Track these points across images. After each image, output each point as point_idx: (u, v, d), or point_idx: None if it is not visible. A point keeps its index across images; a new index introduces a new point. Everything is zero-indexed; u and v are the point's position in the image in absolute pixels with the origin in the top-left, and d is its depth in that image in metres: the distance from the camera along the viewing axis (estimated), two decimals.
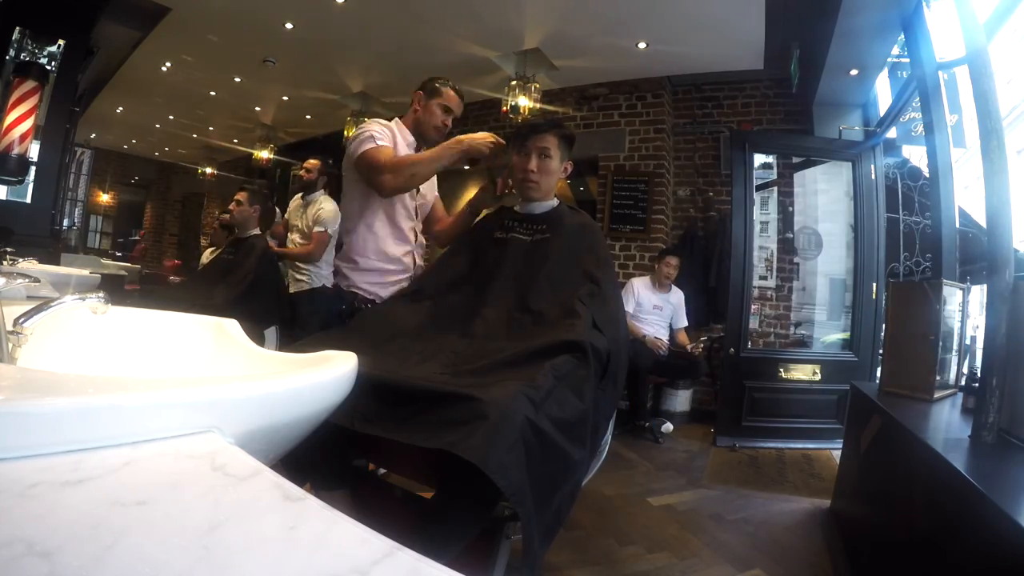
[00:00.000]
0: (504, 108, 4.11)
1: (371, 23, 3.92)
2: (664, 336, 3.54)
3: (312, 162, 3.09)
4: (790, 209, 4.09)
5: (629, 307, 3.43)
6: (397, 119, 1.72)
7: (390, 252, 1.61)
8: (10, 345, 0.66)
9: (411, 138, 1.69)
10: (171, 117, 6.97)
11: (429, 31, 3.92)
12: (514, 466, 0.75)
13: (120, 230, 9.43)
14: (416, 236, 1.70)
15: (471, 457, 0.73)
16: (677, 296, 3.61)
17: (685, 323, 3.63)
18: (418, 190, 1.70)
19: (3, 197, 3.31)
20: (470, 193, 6.76)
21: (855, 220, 3.49)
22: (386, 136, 1.56)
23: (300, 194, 3.17)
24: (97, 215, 9.39)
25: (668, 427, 3.28)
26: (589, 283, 1.24)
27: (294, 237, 3.10)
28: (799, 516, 2.27)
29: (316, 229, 2.95)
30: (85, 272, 2.11)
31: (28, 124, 3.01)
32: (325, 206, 2.99)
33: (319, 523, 0.34)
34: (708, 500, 2.39)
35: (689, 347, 3.49)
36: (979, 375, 1.44)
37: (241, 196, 2.73)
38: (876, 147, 3.43)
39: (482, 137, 1.48)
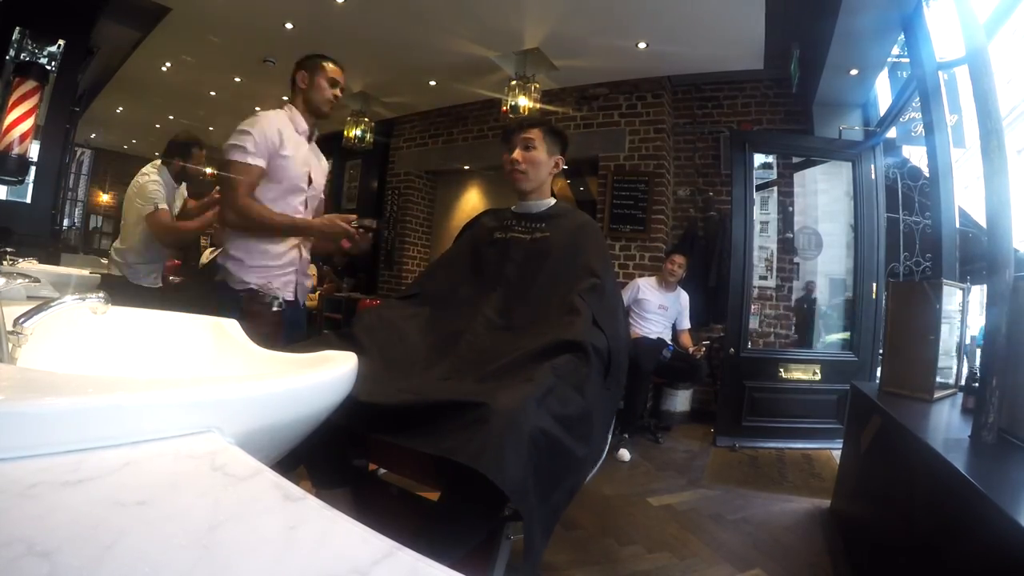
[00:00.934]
0: (504, 108, 4.11)
1: (371, 23, 3.92)
2: (668, 335, 3.53)
3: None
4: (790, 209, 4.09)
5: (626, 303, 3.41)
6: (290, 105, 1.70)
7: (272, 249, 1.62)
8: (10, 345, 0.66)
9: (304, 125, 1.69)
10: (171, 117, 6.98)
11: (429, 31, 3.92)
12: (516, 466, 0.75)
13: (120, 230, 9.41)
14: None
15: (471, 462, 0.73)
16: (683, 297, 3.60)
17: (688, 325, 3.61)
18: (311, 181, 1.70)
19: (3, 197, 3.31)
20: (469, 196, 6.70)
21: (855, 220, 3.49)
22: (259, 148, 1.54)
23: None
24: (97, 215, 9.40)
25: (624, 455, 2.95)
26: (590, 278, 1.24)
27: None
28: (799, 516, 2.27)
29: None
30: (85, 272, 2.11)
31: (28, 124, 3.00)
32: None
33: (319, 523, 0.34)
34: (708, 500, 2.39)
35: (691, 349, 3.47)
36: (979, 375, 1.44)
37: None
38: (876, 147, 3.43)
39: (334, 231, 1.58)
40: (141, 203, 2.47)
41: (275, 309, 1.61)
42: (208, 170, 2.82)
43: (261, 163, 1.55)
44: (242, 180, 1.52)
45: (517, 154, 1.40)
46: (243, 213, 1.53)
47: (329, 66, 1.70)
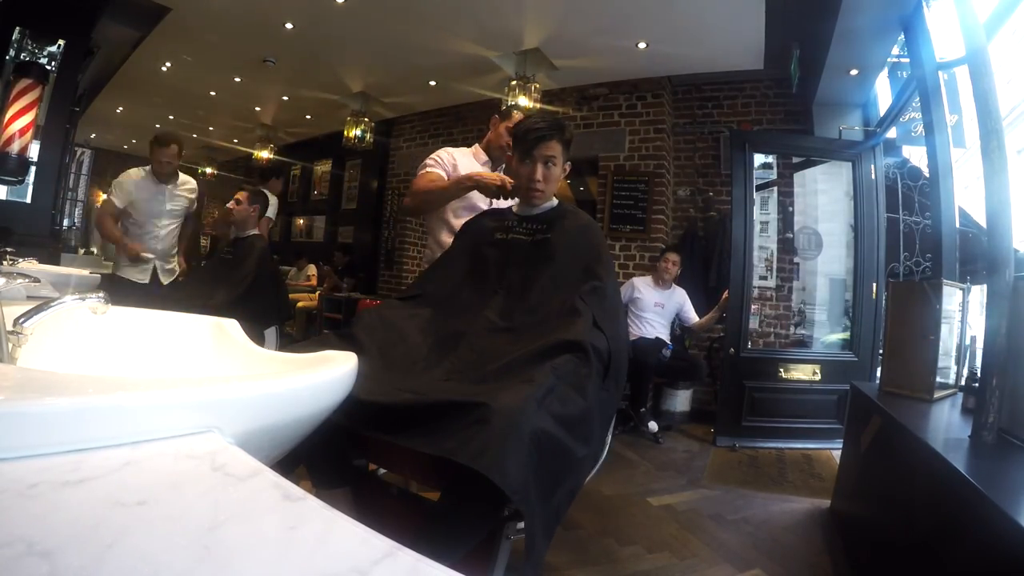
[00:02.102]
0: (504, 108, 4.11)
1: (371, 23, 3.92)
2: (666, 335, 3.54)
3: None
4: (790, 209, 4.09)
5: (624, 302, 3.44)
6: (477, 144, 2.00)
7: None
8: (10, 345, 0.66)
9: (484, 157, 1.94)
10: (171, 117, 6.98)
11: (429, 31, 3.92)
12: (516, 466, 0.75)
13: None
14: None
15: (471, 462, 0.73)
16: (679, 294, 3.61)
17: (696, 317, 3.63)
18: (492, 203, 1.82)
19: (3, 197, 3.31)
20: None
21: (855, 220, 3.49)
22: (442, 162, 1.82)
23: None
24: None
25: (653, 426, 3.30)
26: (591, 280, 1.24)
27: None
28: (799, 516, 2.27)
29: None
30: (85, 272, 2.11)
31: (28, 124, 3.01)
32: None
33: (319, 523, 0.34)
34: (708, 500, 2.39)
35: (722, 298, 3.40)
36: (979, 375, 1.44)
37: (240, 195, 2.73)
38: (876, 147, 3.43)
39: (491, 179, 1.60)
40: None
41: None
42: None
43: (439, 172, 1.79)
44: (419, 178, 1.80)
45: (540, 174, 1.37)
46: (414, 193, 1.79)
47: (517, 115, 1.91)
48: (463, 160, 1.87)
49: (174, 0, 3.84)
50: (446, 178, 1.77)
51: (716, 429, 3.37)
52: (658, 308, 3.52)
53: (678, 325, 3.75)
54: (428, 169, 1.79)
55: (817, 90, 3.51)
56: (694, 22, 3.44)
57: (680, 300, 3.60)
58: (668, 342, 3.48)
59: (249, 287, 2.54)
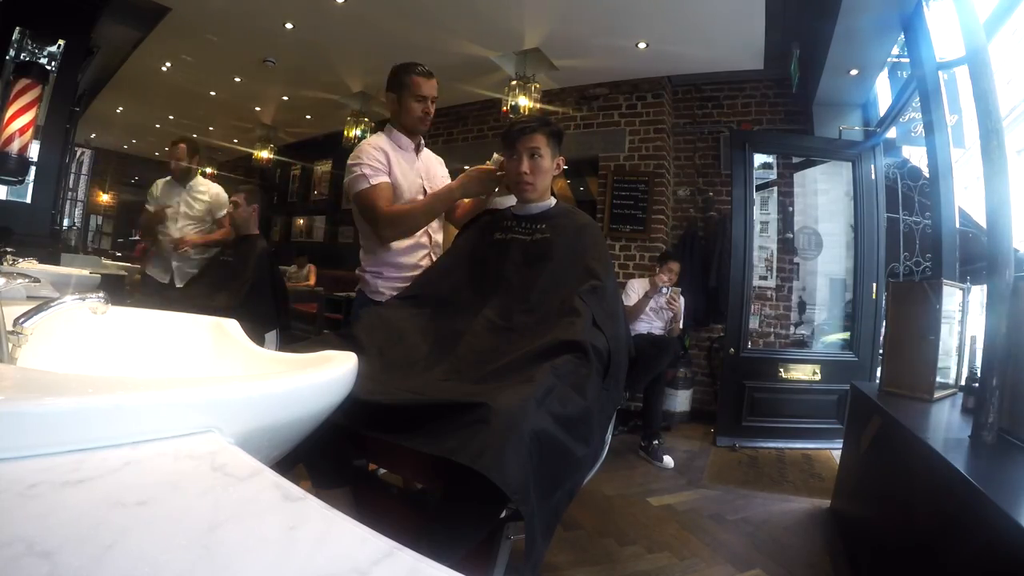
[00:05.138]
0: (504, 108, 4.11)
1: (371, 23, 3.92)
2: (661, 326, 3.51)
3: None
4: (790, 209, 4.09)
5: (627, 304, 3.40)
6: (388, 127, 1.79)
7: (405, 262, 1.68)
8: (10, 345, 0.66)
9: (407, 140, 1.77)
10: (171, 117, 6.98)
11: (429, 31, 3.92)
12: (516, 466, 0.75)
13: (120, 230, 9.44)
14: (431, 239, 1.74)
15: (471, 463, 0.73)
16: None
17: (681, 311, 3.49)
18: (426, 192, 1.73)
19: (3, 197, 3.31)
20: None
21: (855, 220, 3.49)
22: (379, 167, 1.58)
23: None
24: (97, 215, 9.41)
25: (669, 461, 2.87)
26: (590, 279, 1.24)
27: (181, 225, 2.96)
28: (799, 516, 2.27)
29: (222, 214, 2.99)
30: (85, 272, 2.11)
31: (28, 124, 3.01)
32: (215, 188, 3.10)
33: (319, 523, 0.34)
34: (708, 500, 2.39)
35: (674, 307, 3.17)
36: (979, 375, 1.44)
37: (237, 198, 2.72)
38: (876, 147, 3.43)
39: (479, 174, 1.52)
40: None
41: None
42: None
43: (385, 179, 1.59)
44: (376, 200, 1.55)
45: (526, 166, 1.37)
46: (392, 221, 1.55)
47: (415, 80, 1.76)
48: (394, 156, 1.67)
49: (174, 0, 3.84)
50: (389, 180, 1.60)
51: (716, 429, 3.37)
52: (651, 313, 3.52)
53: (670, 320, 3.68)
54: (374, 181, 1.55)
55: (817, 90, 3.51)
56: (694, 22, 3.44)
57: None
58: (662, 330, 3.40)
59: (250, 291, 2.54)
